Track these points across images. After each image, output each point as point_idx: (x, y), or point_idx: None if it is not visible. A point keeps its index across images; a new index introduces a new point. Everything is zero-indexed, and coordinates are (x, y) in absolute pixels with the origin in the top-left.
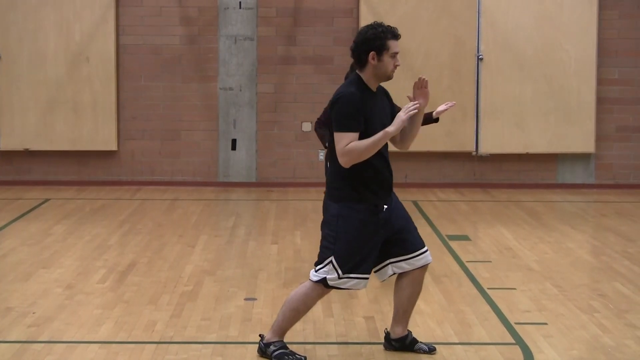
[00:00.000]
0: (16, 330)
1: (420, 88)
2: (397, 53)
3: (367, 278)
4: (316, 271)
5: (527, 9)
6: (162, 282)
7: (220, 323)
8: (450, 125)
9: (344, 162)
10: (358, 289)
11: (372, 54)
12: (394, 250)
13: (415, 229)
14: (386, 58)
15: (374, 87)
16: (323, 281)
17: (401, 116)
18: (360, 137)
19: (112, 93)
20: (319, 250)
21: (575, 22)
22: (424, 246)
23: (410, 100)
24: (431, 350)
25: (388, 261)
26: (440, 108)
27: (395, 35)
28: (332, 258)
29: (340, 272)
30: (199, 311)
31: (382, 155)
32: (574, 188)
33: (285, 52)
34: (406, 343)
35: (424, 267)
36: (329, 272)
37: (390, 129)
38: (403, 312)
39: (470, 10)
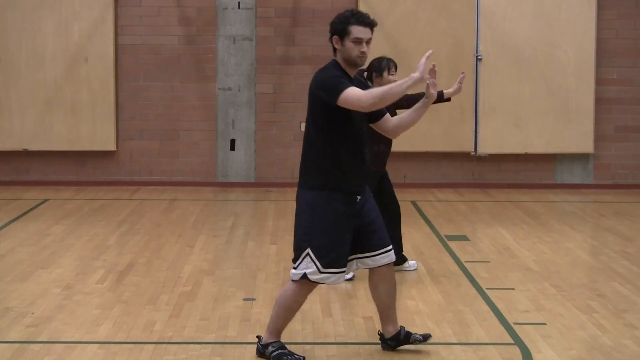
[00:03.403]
0: (15, 330)
1: (432, 77)
2: (361, 39)
3: (344, 271)
4: (295, 268)
5: (525, 10)
6: (160, 282)
7: (219, 323)
8: (448, 126)
9: (369, 102)
10: (339, 284)
11: (335, 38)
12: (361, 244)
13: (383, 226)
14: (348, 43)
15: (351, 74)
16: (304, 277)
17: (422, 61)
18: (338, 119)
19: (111, 93)
20: (293, 244)
21: (573, 23)
22: (389, 244)
23: (427, 88)
24: (426, 338)
25: (354, 256)
26: (452, 90)
27: (362, 22)
28: (308, 250)
29: (319, 265)
30: (197, 311)
31: (359, 141)
32: (573, 188)
33: (284, 52)
34: (401, 339)
35: (388, 265)
36: (307, 265)
37: (414, 74)
38: (386, 309)
39: (469, 10)
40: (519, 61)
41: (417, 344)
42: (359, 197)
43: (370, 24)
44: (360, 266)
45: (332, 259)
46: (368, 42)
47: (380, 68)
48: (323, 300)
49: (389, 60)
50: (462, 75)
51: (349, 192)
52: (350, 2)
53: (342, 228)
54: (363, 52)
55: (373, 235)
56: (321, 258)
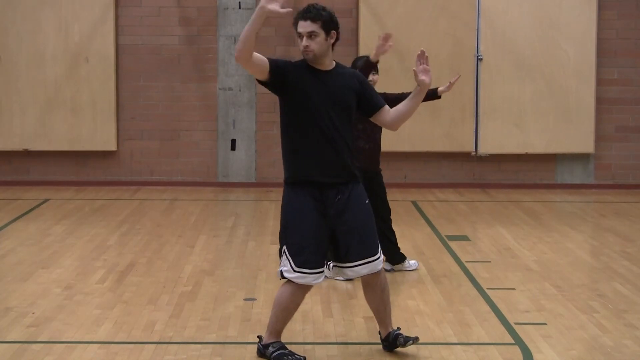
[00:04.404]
0: (15, 331)
1: (422, 63)
2: (300, 33)
3: (322, 271)
4: (280, 265)
5: (526, 9)
6: (161, 282)
7: (220, 323)
8: (449, 126)
9: (236, 51)
10: (317, 283)
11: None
12: (340, 254)
13: (370, 235)
14: (298, 39)
15: (317, 65)
16: (281, 274)
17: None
18: (288, 107)
19: (111, 93)
20: None
21: (574, 23)
22: (372, 255)
23: (415, 75)
24: (406, 340)
25: (335, 263)
26: (442, 88)
27: (302, 16)
28: (284, 247)
29: (292, 263)
30: (198, 311)
31: (323, 135)
32: (573, 188)
33: (285, 52)
34: (390, 341)
35: (373, 274)
36: (284, 263)
37: (261, 3)
38: (377, 313)
39: (470, 10)
40: (519, 61)
41: (400, 347)
42: (339, 197)
43: (310, 17)
44: (341, 274)
45: (305, 259)
46: (311, 35)
47: (354, 67)
48: (324, 300)
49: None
50: (457, 77)
51: (316, 183)
52: (351, 2)
53: (313, 225)
54: (304, 47)
55: (353, 247)
56: (294, 256)
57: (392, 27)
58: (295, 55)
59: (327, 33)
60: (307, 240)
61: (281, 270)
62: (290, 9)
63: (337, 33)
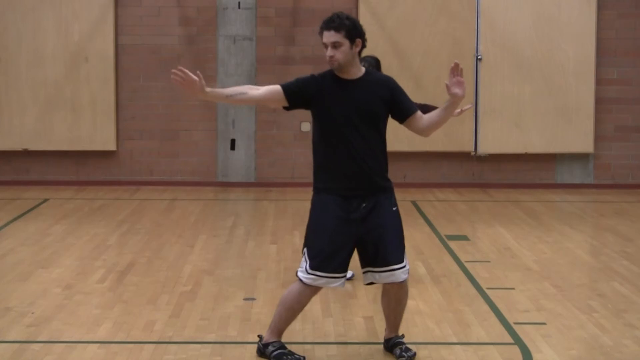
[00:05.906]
0: (15, 330)
1: (455, 76)
2: (325, 44)
3: (341, 277)
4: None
5: (525, 9)
6: (161, 282)
7: (219, 323)
8: (449, 126)
9: None
10: (333, 287)
11: None
12: (367, 259)
13: (396, 242)
14: (325, 49)
15: (343, 75)
16: (296, 274)
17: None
18: (319, 121)
19: (111, 93)
20: None
21: (574, 22)
22: (397, 263)
23: (448, 88)
24: (400, 356)
25: (365, 268)
26: (456, 111)
27: (325, 26)
28: (305, 249)
29: (307, 265)
30: (197, 311)
31: (348, 145)
32: (573, 188)
33: (284, 52)
34: (388, 346)
35: (394, 284)
36: (302, 264)
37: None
38: (386, 316)
39: (469, 10)
40: (519, 61)
41: (395, 356)
42: (364, 204)
43: (333, 27)
44: (370, 279)
45: (320, 262)
46: (335, 45)
47: None
48: (323, 300)
49: (370, 60)
50: (468, 106)
51: (341, 195)
52: (350, 2)
53: (333, 231)
54: (330, 57)
55: (379, 253)
56: (311, 259)
57: (392, 27)
58: (295, 55)
59: (352, 42)
60: (324, 245)
61: (297, 270)
62: (198, 72)
63: (363, 40)
